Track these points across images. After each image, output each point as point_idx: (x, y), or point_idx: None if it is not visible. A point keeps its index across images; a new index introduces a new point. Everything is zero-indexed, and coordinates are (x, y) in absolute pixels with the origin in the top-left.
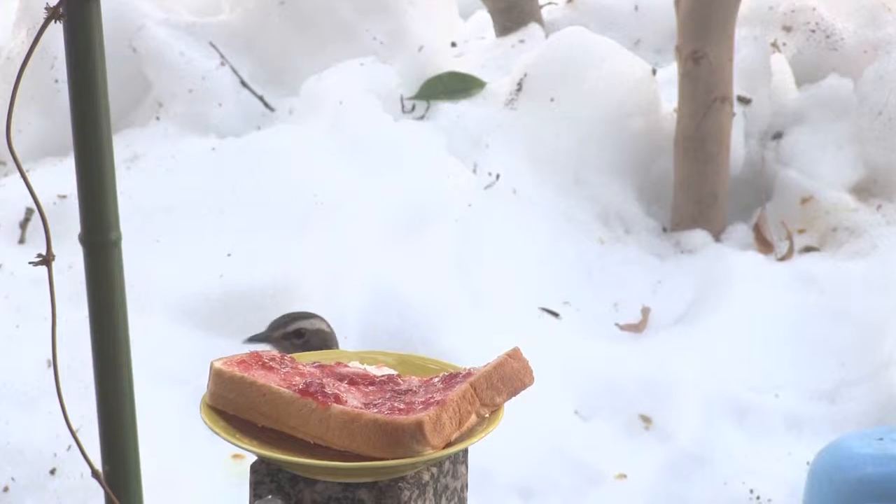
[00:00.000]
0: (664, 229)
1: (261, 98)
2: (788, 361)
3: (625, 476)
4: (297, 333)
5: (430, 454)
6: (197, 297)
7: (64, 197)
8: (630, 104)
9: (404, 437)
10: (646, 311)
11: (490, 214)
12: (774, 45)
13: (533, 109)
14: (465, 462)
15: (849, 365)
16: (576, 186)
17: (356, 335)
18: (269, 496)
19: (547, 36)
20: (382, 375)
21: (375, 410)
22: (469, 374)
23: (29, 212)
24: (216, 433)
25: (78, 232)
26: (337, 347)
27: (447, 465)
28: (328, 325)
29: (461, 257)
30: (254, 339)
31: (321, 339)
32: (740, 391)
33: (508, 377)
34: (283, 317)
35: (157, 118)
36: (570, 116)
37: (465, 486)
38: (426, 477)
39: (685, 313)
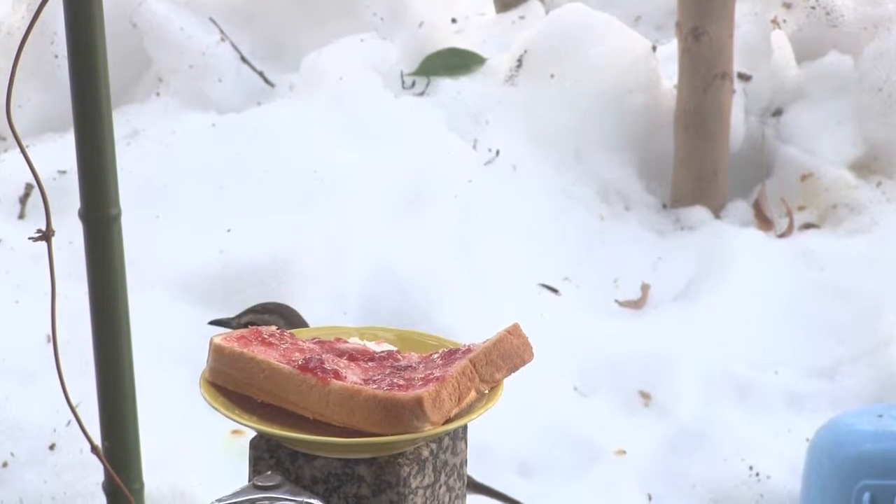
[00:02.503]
0: (664, 206)
1: (261, 74)
2: (788, 338)
3: (624, 452)
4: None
5: (430, 430)
6: (197, 272)
7: (64, 172)
8: (630, 81)
9: (404, 413)
10: (645, 288)
11: (490, 191)
12: (774, 21)
13: (533, 86)
14: (464, 438)
15: (848, 342)
16: (576, 163)
17: (356, 311)
18: (269, 472)
19: (547, 12)
20: (382, 351)
21: (375, 386)
22: (468, 350)
23: (29, 187)
24: (215, 409)
25: (78, 207)
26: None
27: (446, 441)
28: (285, 322)
29: (461, 233)
30: (217, 322)
31: None
32: (740, 368)
33: (508, 353)
34: (256, 306)
35: (157, 94)
36: (570, 93)
37: (464, 462)
38: (425, 453)
39: (685, 290)
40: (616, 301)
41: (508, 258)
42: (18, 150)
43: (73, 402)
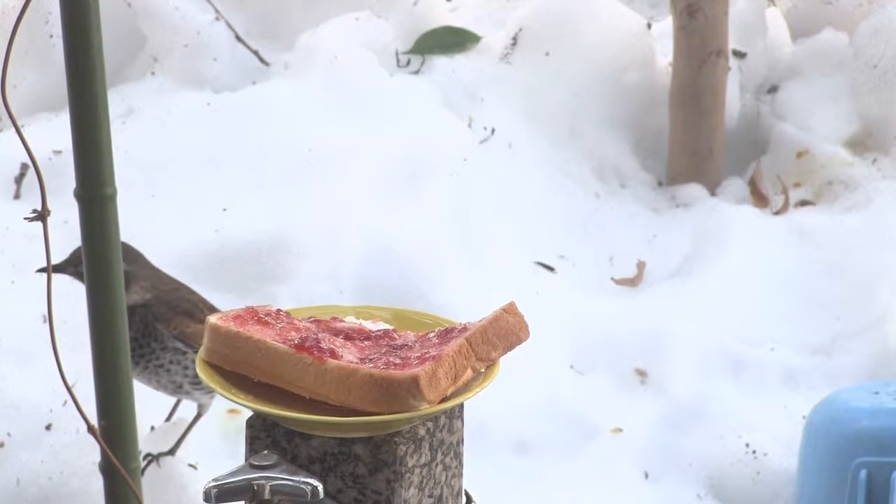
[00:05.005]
0: (659, 183)
1: (256, 53)
2: (784, 315)
3: (620, 430)
4: None
5: (426, 409)
6: (193, 251)
7: (59, 152)
8: (625, 58)
9: (400, 392)
10: (641, 266)
11: (485, 169)
12: None
13: (528, 64)
14: (460, 417)
15: (844, 318)
16: (571, 140)
17: (352, 290)
18: (265, 451)
19: None
20: (378, 330)
21: (371, 365)
22: (465, 328)
23: (24, 167)
24: (212, 388)
25: (73, 187)
26: (142, 264)
27: (443, 419)
28: (129, 246)
29: (457, 212)
30: (54, 268)
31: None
32: (736, 345)
33: (504, 332)
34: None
35: (153, 73)
36: (566, 71)
37: (460, 441)
38: (422, 432)
39: (680, 267)
40: (612, 279)
41: (504, 236)
42: (13, 129)
43: (70, 382)
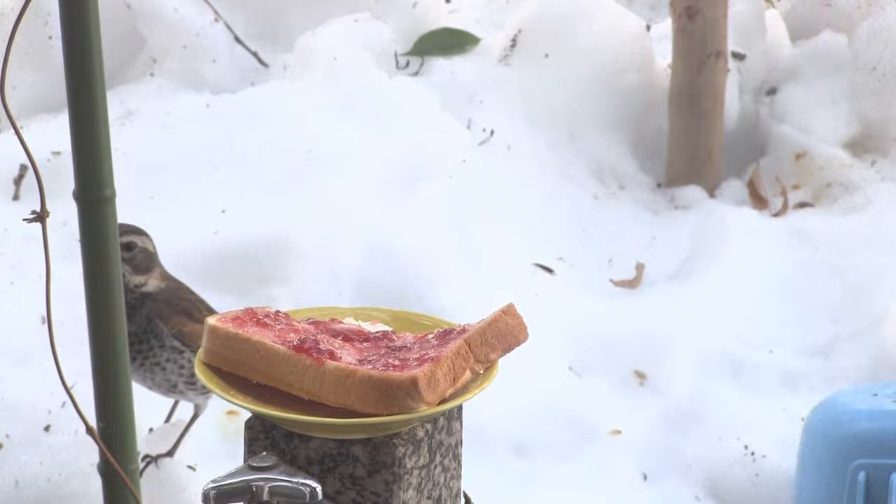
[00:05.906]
0: (658, 185)
1: (255, 54)
2: (783, 317)
3: (619, 432)
4: (127, 246)
5: (425, 410)
6: (191, 253)
7: (58, 153)
8: (624, 60)
9: (399, 394)
10: (640, 267)
11: (484, 170)
12: (769, 0)
13: (527, 65)
14: (459, 418)
15: (843, 320)
16: (570, 142)
17: (350, 291)
18: (264, 453)
19: None
20: (377, 332)
21: (370, 367)
22: (463, 330)
23: (23, 168)
24: (211, 390)
25: (72, 188)
26: (159, 268)
27: (441, 421)
28: (153, 246)
29: (455, 213)
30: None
31: (146, 258)
32: (735, 347)
33: (503, 333)
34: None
35: (152, 74)
36: (565, 72)
37: (459, 443)
38: (421, 433)
39: (679, 269)
40: (611, 280)
41: (503, 238)
42: (12, 130)
43: (68, 384)
